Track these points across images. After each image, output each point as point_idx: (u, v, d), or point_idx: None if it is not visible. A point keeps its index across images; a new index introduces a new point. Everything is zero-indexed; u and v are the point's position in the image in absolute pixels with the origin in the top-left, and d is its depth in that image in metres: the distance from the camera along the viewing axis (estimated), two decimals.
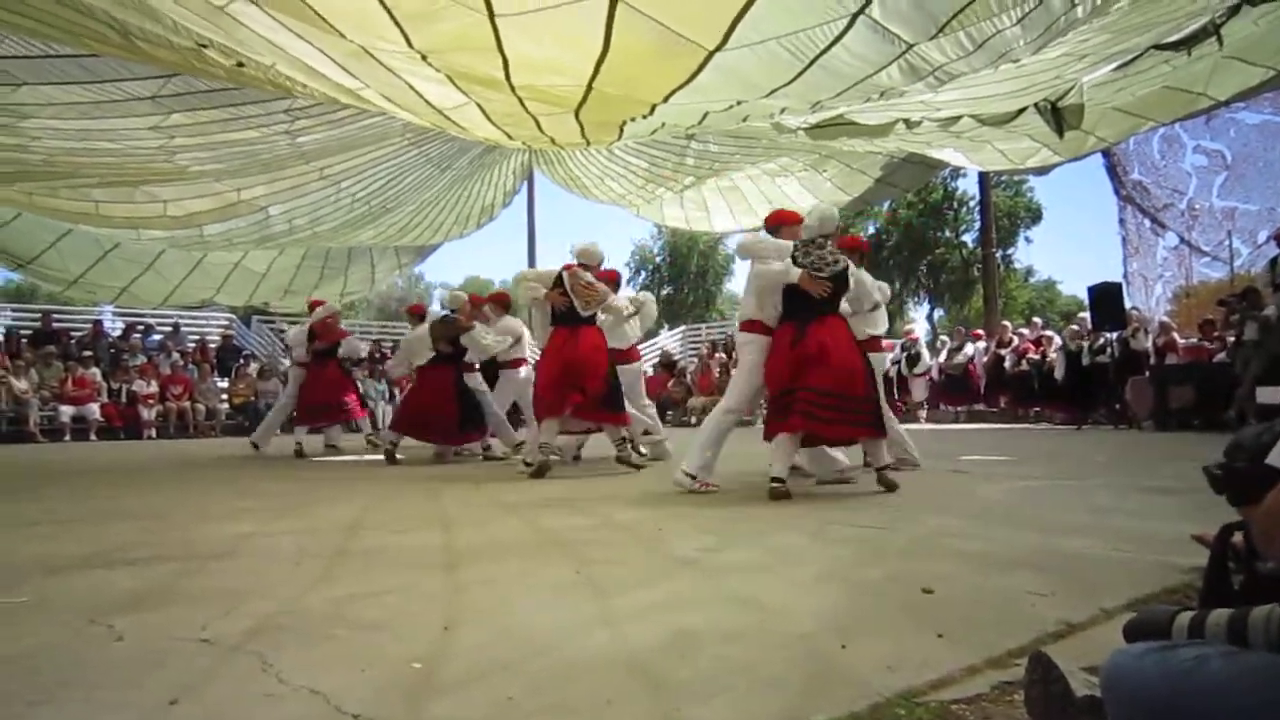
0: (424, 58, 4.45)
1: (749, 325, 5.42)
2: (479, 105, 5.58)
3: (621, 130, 6.46)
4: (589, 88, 4.88)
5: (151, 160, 9.20)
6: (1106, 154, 15.53)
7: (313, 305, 11.20)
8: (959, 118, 7.89)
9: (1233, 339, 11.29)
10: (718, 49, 4.25)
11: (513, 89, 4.96)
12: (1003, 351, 15.35)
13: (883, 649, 1.97)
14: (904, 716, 1.58)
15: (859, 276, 5.35)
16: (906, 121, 7.83)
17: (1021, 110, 7.72)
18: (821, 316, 5.03)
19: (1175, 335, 12.92)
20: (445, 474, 7.04)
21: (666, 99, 5.18)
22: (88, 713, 1.68)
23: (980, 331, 17.33)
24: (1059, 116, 7.62)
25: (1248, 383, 10.18)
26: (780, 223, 5.59)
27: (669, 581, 2.78)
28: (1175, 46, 6.81)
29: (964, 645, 1.98)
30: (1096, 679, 1.34)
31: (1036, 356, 14.55)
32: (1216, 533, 1.51)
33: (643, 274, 40.56)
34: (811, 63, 4.64)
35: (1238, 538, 1.46)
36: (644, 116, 5.75)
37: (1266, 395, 9.66)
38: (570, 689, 1.75)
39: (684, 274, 41.27)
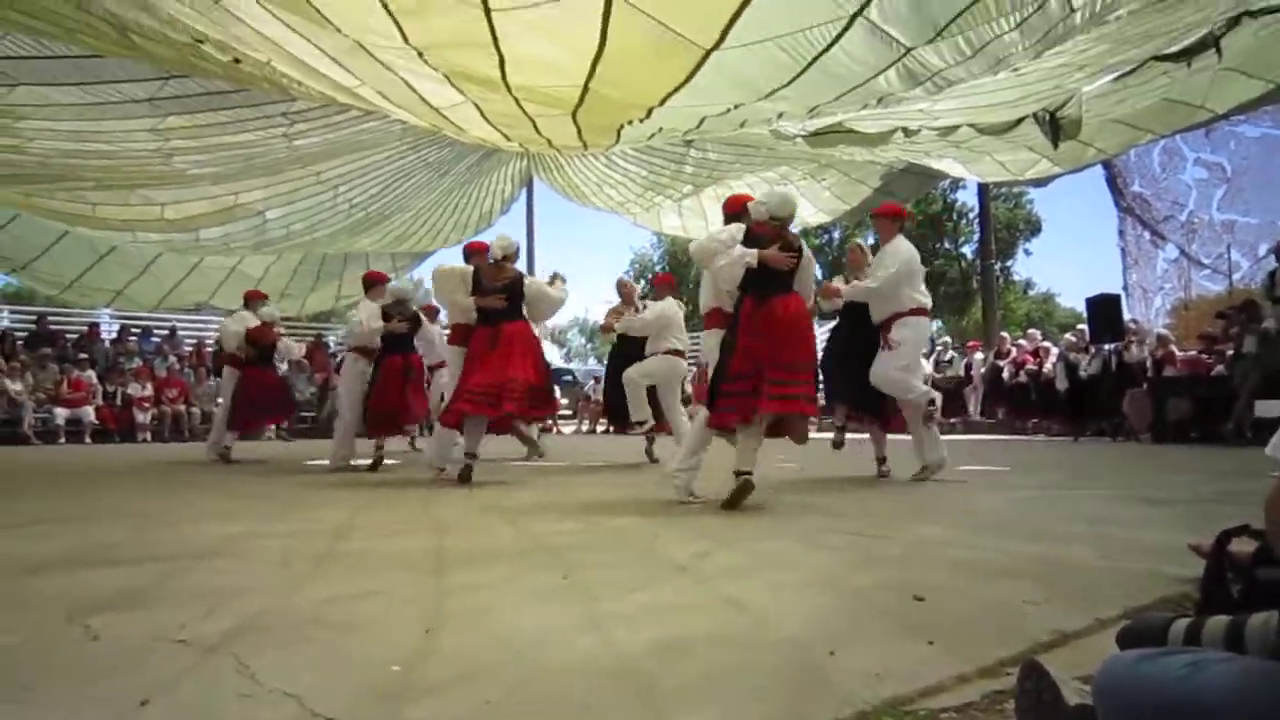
0: (420, 54, 4.43)
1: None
2: (476, 105, 5.56)
3: (619, 134, 6.43)
4: (585, 88, 4.86)
5: (148, 163, 9.19)
6: (1107, 166, 15.57)
7: (250, 296, 10.54)
8: (957, 127, 7.88)
9: (1231, 352, 11.26)
10: (714, 48, 4.23)
11: (509, 89, 4.94)
12: (1001, 363, 15.33)
13: (872, 656, 1.93)
14: None
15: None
16: (905, 130, 7.82)
17: (1020, 120, 7.71)
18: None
19: (1173, 348, 12.89)
20: (439, 479, 6.97)
21: (663, 102, 5.16)
22: (55, 711, 1.64)
23: (976, 343, 17.30)
24: (1056, 127, 7.61)
25: (1246, 396, 10.15)
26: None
27: (659, 587, 2.74)
28: (1175, 58, 6.80)
29: (955, 653, 1.94)
30: (1089, 688, 1.31)
31: (1034, 367, 14.52)
32: (1213, 542, 1.48)
33: (643, 282, 40.69)
34: (809, 65, 4.62)
35: (1235, 546, 1.43)
36: (641, 120, 5.73)
37: (1264, 409, 9.64)
38: (551, 693, 1.71)
39: (684, 283, 41.29)
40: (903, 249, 6.22)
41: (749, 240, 4.75)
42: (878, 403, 6.31)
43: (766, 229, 4.84)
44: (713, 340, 5.16)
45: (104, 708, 1.64)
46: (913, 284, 6.19)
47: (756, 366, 4.60)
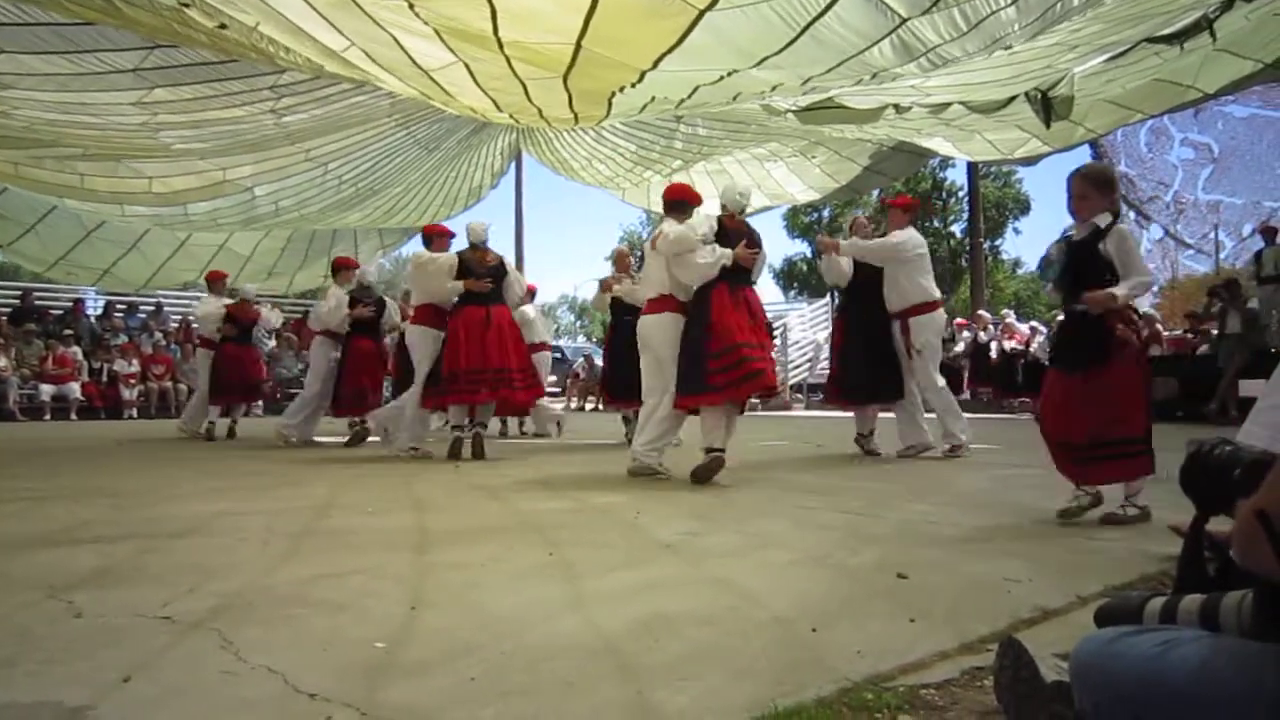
0: (410, 6, 4.32)
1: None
2: (466, 66, 5.44)
3: (610, 104, 6.35)
4: (577, 46, 4.75)
5: (134, 137, 9.05)
6: (1094, 145, 15.54)
7: (212, 277, 10.52)
8: (949, 104, 7.85)
9: (1216, 332, 11.33)
10: (709, 8, 4.14)
11: (500, 46, 4.83)
12: (986, 340, 15.33)
13: (855, 634, 1.95)
14: (871, 701, 1.55)
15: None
16: (896, 106, 7.78)
17: (1012, 99, 7.68)
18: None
19: (1159, 327, 12.96)
20: (421, 456, 6.97)
21: (656, 65, 5.07)
22: (37, 688, 1.63)
23: (963, 321, 17.32)
24: (1048, 106, 7.58)
25: (1230, 375, 10.21)
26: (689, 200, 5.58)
27: (644, 566, 2.75)
28: (1168, 40, 6.77)
29: (937, 630, 1.96)
30: (1067, 665, 1.32)
31: (1021, 346, 14.54)
32: (1191, 520, 1.49)
33: (632, 260, 40.57)
34: (803, 31, 4.54)
35: (1213, 525, 1.44)
36: (633, 85, 5.62)
37: (1248, 388, 9.71)
38: (535, 672, 1.72)
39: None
40: (915, 235, 6.53)
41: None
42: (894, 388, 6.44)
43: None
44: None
45: (87, 684, 1.64)
46: (926, 273, 6.46)
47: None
